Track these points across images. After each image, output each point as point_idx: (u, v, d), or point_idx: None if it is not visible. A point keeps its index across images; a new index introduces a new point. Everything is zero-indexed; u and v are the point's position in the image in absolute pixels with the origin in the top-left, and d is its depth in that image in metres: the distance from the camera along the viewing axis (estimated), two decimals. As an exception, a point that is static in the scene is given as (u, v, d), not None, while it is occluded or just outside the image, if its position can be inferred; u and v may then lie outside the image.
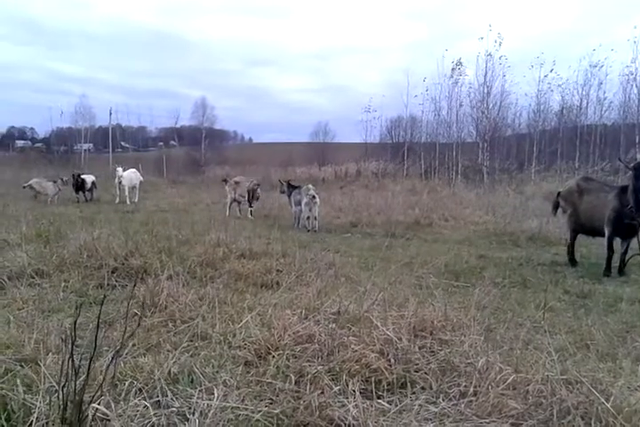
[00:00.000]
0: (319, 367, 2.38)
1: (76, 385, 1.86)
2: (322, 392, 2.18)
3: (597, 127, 25.08)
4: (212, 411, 1.99)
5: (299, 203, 10.98)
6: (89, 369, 1.94)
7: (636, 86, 23.02)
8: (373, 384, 2.34)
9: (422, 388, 2.38)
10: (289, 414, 2.06)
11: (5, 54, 67.38)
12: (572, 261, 7.10)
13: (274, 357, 2.53)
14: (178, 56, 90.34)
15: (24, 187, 15.17)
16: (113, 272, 4.48)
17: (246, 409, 2.03)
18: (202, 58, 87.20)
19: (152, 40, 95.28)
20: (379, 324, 2.78)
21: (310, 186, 11.28)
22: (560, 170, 21.68)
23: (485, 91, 24.77)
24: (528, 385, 2.29)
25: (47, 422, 1.85)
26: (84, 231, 5.71)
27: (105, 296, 3.02)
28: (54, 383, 2.01)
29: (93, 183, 16.23)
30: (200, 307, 3.47)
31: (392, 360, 2.52)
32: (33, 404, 1.93)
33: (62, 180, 15.45)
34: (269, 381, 2.29)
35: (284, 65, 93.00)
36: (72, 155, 39.18)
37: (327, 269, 5.09)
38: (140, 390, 2.17)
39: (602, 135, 24.78)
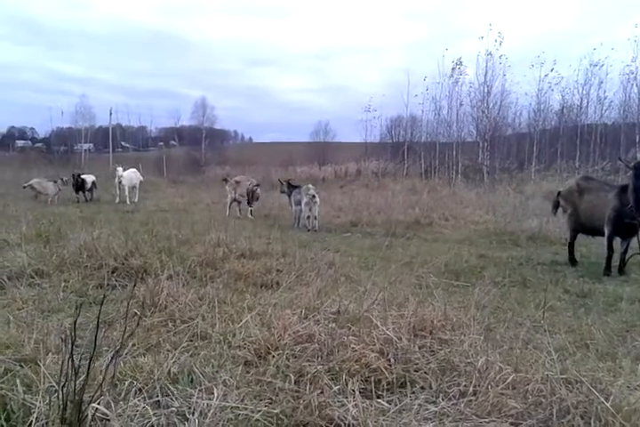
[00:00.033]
0: (319, 367, 2.38)
1: (75, 385, 1.86)
2: (321, 392, 2.18)
3: (598, 126, 25.06)
4: (211, 411, 1.99)
5: (299, 202, 10.98)
6: (89, 369, 1.94)
7: (637, 85, 23.06)
8: (373, 384, 2.34)
9: (422, 387, 2.38)
10: (289, 413, 2.05)
11: (5, 54, 67.63)
12: (572, 261, 7.10)
13: (273, 356, 2.53)
14: (178, 56, 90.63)
15: (24, 187, 15.17)
16: (113, 272, 4.48)
17: (246, 409, 2.03)
18: (202, 58, 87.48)
19: (152, 40, 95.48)
20: (378, 323, 2.78)
21: (310, 185, 11.28)
22: (560, 169, 21.66)
23: (486, 90, 24.80)
24: (528, 385, 2.29)
25: (47, 422, 1.85)
26: (84, 231, 5.70)
27: (105, 296, 3.02)
28: (54, 383, 2.01)
29: (93, 183, 16.23)
30: (200, 307, 3.47)
31: (392, 360, 2.52)
32: (33, 404, 1.93)
33: (62, 180, 15.45)
34: (269, 380, 2.29)
35: (284, 65, 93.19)
36: (72, 155, 39.22)
37: (327, 268, 5.09)
38: (140, 389, 2.17)
39: (602, 134, 24.76)
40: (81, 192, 15.85)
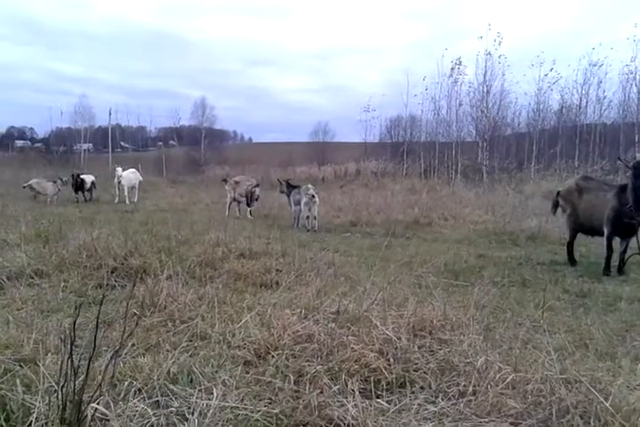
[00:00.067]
0: (318, 367, 2.38)
1: (75, 385, 1.86)
2: (321, 392, 2.18)
3: (597, 126, 25.07)
4: (211, 411, 1.99)
5: (298, 202, 10.98)
6: (88, 369, 1.94)
7: (636, 85, 23.07)
8: (372, 384, 2.34)
9: (421, 387, 2.38)
10: (288, 413, 2.06)
11: (5, 54, 67.52)
12: (572, 261, 7.10)
13: (273, 356, 2.53)
14: (178, 56, 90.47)
15: (24, 187, 15.16)
16: (112, 272, 4.48)
17: (245, 409, 2.03)
18: (202, 58, 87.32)
19: (152, 40, 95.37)
20: (378, 323, 2.78)
21: (310, 185, 11.27)
22: (559, 169, 21.65)
23: (485, 90, 24.84)
24: (527, 384, 2.29)
25: (46, 423, 1.85)
26: (84, 231, 5.71)
27: (104, 296, 3.03)
28: (53, 383, 2.01)
29: (93, 183, 16.22)
30: (199, 307, 3.47)
31: (391, 360, 2.52)
32: (32, 404, 1.93)
33: (62, 180, 15.44)
34: (269, 380, 2.29)
35: (284, 65, 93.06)
36: (71, 155, 39.20)
37: (327, 268, 5.09)
38: (140, 389, 2.17)
39: (601, 134, 24.78)
40: (80, 192, 15.84)
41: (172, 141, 46.73)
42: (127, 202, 15.33)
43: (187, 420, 1.97)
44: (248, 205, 12.70)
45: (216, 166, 33.17)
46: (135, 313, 3.18)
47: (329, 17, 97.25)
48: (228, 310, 3.41)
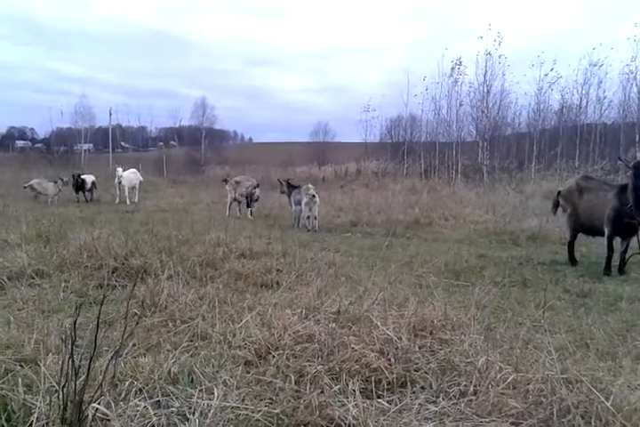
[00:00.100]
0: (319, 367, 2.38)
1: (76, 385, 1.86)
2: (322, 392, 2.18)
3: (597, 126, 25.07)
4: (212, 411, 1.99)
5: (299, 202, 10.98)
6: (89, 369, 1.94)
7: (636, 85, 23.06)
8: (373, 384, 2.34)
9: (422, 387, 2.38)
10: (289, 413, 2.06)
11: (5, 54, 67.63)
12: (572, 260, 7.10)
13: (274, 356, 2.53)
14: (178, 56, 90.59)
15: (24, 187, 15.17)
16: (113, 272, 4.48)
17: (246, 409, 2.03)
18: (202, 58, 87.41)
19: (152, 40, 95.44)
20: (379, 323, 2.78)
21: (310, 185, 11.27)
22: (560, 169, 21.64)
23: (485, 90, 24.84)
24: (528, 384, 2.29)
25: (47, 423, 1.85)
26: (85, 231, 5.71)
27: (105, 296, 3.03)
28: (54, 383, 2.01)
29: (93, 183, 16.23)
30: (200, 307, 3.47)
31: (392, 360, 2.52)
32: (33, 404, 1.93)
33: (62, 180, 15.45)
34: (269, 380, 2.29)
35: (284, 65, 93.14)
36: (72, 155, 39.22)
37: (327, 268, 5.09)
38: (140, 389, 2.18)
39: (602, 134, 24.77)
40: (81, 192, 15.86)
41: (172, 142, 46.77)
42: (128, 202, 15.34)
43: (187, 420, 1.97)
44: (248, 205, 12.71)
45: (216, 166, 33.18)
46: (136, 313, 3.18)
47: (329, 17, 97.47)
48: (228, 309, 3.41)
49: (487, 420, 2.10)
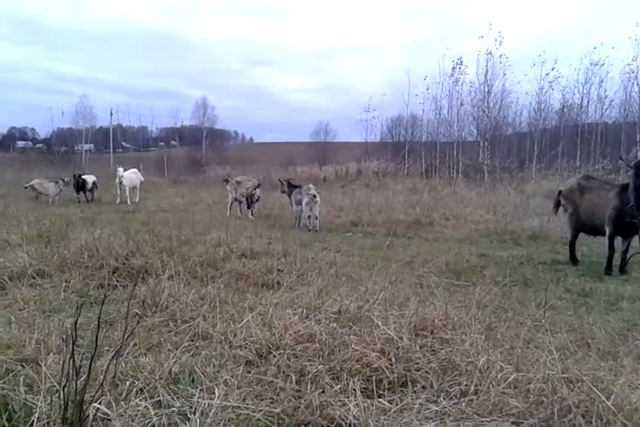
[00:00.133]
0: (320, 367, 2.38)
1: (76, 385, 1.86)
2: (323, 391, 2.18)
3: (598, 125, 25.02)
4: (212, 410, 1.99)
5: (299, 202, 10.98)
6: (90, 369, 1.94)
7: (637, 84, 22.99)
8: (374, 383, 2.34)
9: (423, 387, 2.38)
10: (290, 413, 2.06)
11: (5, 54, 67.68)
12: (573, 260, 7.09)
13: (275, 356, 2.53)
14: (178, 56, 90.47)
15: (25, 187, 15.18)
16: (114, 272, 4.49)
17: (247, 408, 2.03)
18: (202, 58, 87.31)
19: (152, 40, 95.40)
20: (379, 323, 2.78)
21: (311, 185, 11.27)
22: (561, 168, 21.61)
23: (486, 89, 24.80)
24: (529, 384, 2.29)
25: (48, 422, 1.86)
26: (85, 231, 5.72)
27: (106, 296, 3.02)
28: (55, 383, 2.01)
29: (94, 184, 16.24)
30: (201, 307, 3.47)
31: (393, 359, 2.52)
32: (34, 404, 1.94)
33: (63, 180, 15.45)
34: (270, 380, 2.29)
35: (285, 65, 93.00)
36: (73, 155, 39.24)
37: (328, 268, 5.10)
38: (141, 389, 2.18)
39: (603, 134, 24.73)
40: (82, 193, 15.87)
41: (173, 142, 46.81)
42: (129, 202, 15.35)
43: (188, 420, 1.97)
44: (249, 205, 12.71)
45: (217, 166, 33.18)
46: (137, 313, 3.19)
47: (329, 17, 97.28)
48: (229, 309, 3.41)
49: (488, 419, 2.10)
